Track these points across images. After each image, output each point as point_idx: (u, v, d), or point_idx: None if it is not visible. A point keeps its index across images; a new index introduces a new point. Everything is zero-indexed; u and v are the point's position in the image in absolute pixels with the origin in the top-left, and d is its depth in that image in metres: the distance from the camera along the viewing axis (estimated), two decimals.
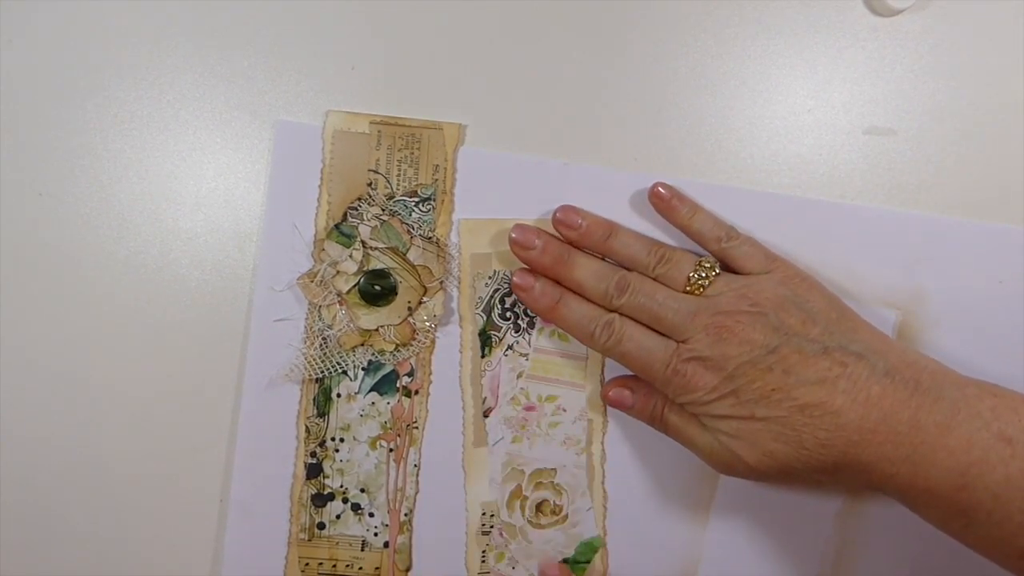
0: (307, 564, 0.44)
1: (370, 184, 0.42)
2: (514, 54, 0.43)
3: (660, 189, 0.42)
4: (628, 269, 0.41)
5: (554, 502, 0.44)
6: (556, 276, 0.41)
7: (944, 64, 0.43)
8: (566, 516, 0.44)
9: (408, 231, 0.43)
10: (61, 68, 0.42)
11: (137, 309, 0.43)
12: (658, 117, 0.43)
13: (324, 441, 0.43)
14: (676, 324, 0.39)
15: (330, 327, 0.42)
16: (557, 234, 0.42)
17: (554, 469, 0.44)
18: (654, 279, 0.41)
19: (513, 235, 0.41)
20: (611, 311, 0.40)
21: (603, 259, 0.42)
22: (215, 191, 0.43)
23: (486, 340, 0.43)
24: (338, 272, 0.42)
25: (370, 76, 0.43)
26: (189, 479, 0.44)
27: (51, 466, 0.44)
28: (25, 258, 0.43)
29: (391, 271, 0.42)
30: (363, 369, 0.43)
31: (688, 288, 0.40)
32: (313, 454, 0.43)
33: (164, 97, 0.43)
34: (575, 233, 0.41)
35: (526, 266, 0.42)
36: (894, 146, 0.44)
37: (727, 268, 0.41)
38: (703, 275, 0.40)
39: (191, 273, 0.43)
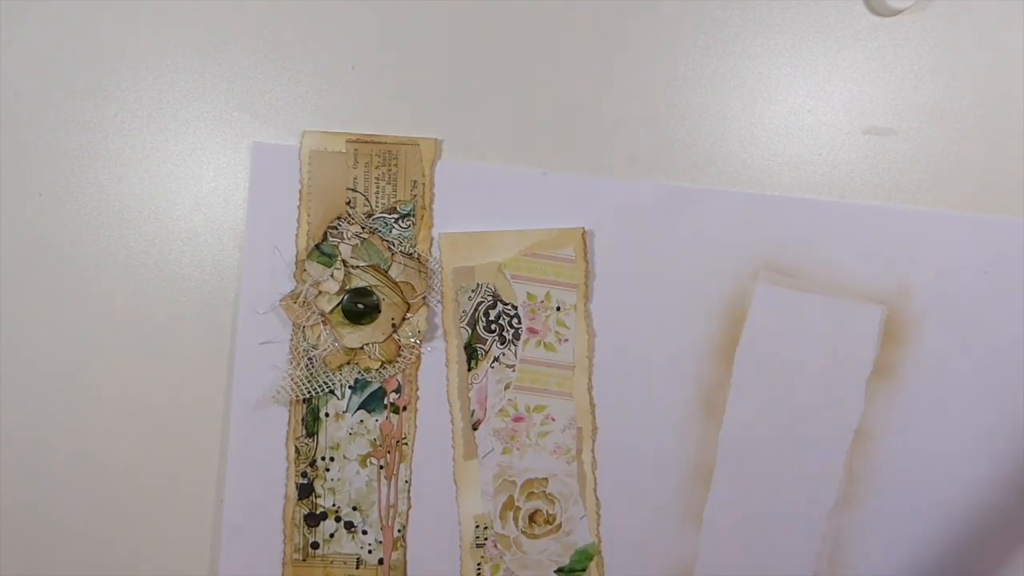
0: None
1: (349, 203, 0.42)
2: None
3: None
4: None
5: (547, 511, 0.44)
6: None
7: (944, 64, 0.43)
8: (560, 525, 0.44)
9: (389, 248, 0.42)
10: (61, 68, 0.42)
11: (137, 309, 0.43)
12: (657, 117, 0.43)
13: (314, 461, 0.43)
14: None
15: (315, 347, 0.42)
16: None
17: (545, 479, 0.44)
18: None
19: None
20: None
21: None
22: (215, 191, 0.43)
23: (472, 353, 0.43)
24: (320, 292, 0.42)
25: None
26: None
27: (46, 470, 0.43)
28: (25, 258, 0.43)
29: (373, 289, 0.42)
30: (350, 388, 0.43)
31: None
32: (304, 474, 0.43)
33: (164, 97, 0.42)
34: None
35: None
36: (894, 146, 0.44)
37: None
38: None
39: (191, 273, 0.43)
